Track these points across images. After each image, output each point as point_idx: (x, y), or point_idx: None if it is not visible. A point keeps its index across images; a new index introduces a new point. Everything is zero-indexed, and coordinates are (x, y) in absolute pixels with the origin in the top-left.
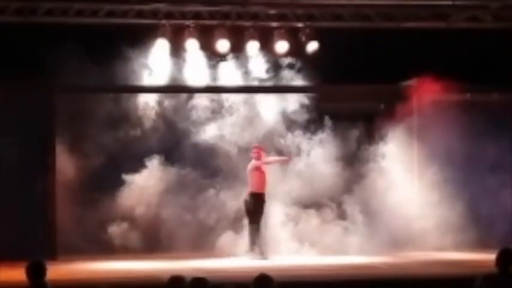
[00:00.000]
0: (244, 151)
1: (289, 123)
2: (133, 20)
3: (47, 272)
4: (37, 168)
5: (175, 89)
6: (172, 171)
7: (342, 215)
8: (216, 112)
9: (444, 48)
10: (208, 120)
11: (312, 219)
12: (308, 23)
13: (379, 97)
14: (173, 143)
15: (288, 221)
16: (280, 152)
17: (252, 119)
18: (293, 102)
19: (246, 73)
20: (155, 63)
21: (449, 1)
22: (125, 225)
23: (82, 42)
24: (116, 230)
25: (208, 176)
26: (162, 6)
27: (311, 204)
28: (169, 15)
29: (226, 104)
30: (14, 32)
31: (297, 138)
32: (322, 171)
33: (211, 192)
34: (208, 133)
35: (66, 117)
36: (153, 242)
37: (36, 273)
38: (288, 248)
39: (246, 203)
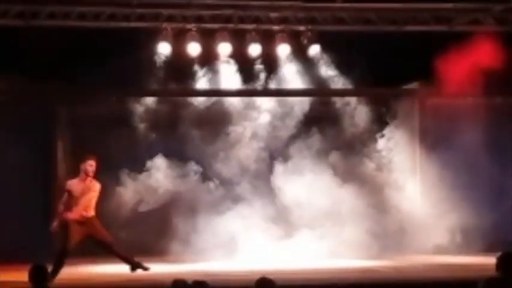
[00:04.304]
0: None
1: (286, 125)
2: (135, 24)
3: (48, 275)
4: (38, 170)
5: (175, 92)
6: (174, 173)
7: (343, 218)
8: (219, 115)
9: (445, 51)
10: (209, 122)
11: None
12: (310, 27)
13: (381, 100)
14: (174, 146)
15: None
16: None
17: (252, 121)
18: (292, 104)
19: (247, 76)
20: (156, 67)
21: (450, 4)
22: (126, 229)
23: (83, 46)
24: (117, 233)
25: (210, 178)
26: (163, 10)
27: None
28: (171, 19)
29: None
30: (15, 35)
31: (292, 143)
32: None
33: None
34: (210, 135)
35: (68, 120)
36: (154, 245)
37: (39, 278)
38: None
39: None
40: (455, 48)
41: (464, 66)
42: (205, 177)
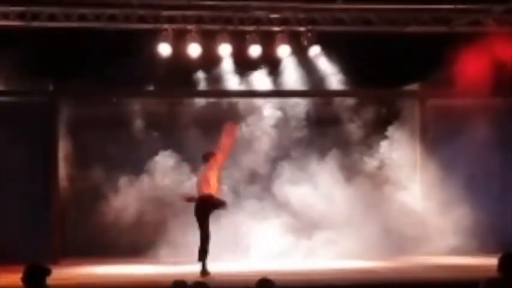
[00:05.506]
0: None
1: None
2: (136, 25)
3: (46, 274)
4: (38, 170)
5: (176, 93)
6: (175, 174)
7: (346, 218)
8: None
9: (446, 52)
10: (210, 123)
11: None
12: (310, 27)
13: (381, 101)
14: (175, 146)
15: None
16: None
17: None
18: (290, 106)
19: (247, 77)
20: (157, 67)
21: (451, 5)
22: (126, 230)
23: (84, 47)
24: (118, 234)
25: None
26: (164, 11)
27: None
28: (171, 20)
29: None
30: (16, 36)
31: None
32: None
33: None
34: (207, 136)
35: (69, 122)
36: (155, 247)
37: (34, 277)
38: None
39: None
40: (456, 48)
41: (465, 66)
42: None
